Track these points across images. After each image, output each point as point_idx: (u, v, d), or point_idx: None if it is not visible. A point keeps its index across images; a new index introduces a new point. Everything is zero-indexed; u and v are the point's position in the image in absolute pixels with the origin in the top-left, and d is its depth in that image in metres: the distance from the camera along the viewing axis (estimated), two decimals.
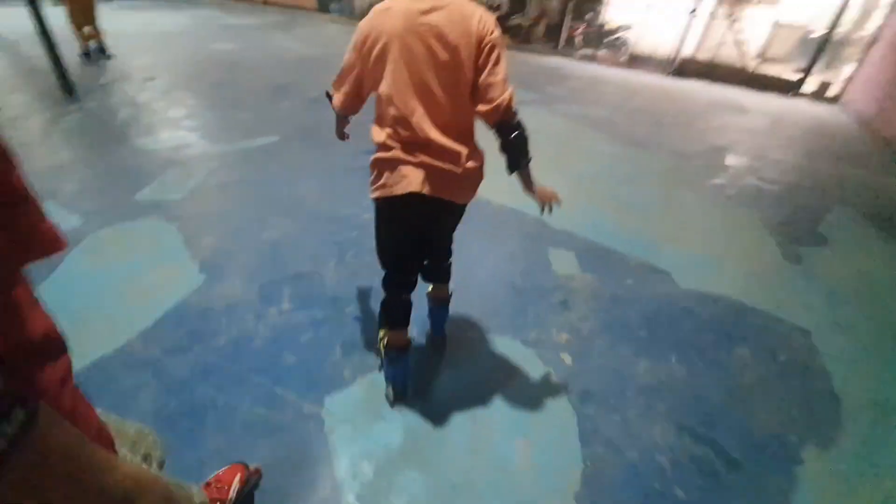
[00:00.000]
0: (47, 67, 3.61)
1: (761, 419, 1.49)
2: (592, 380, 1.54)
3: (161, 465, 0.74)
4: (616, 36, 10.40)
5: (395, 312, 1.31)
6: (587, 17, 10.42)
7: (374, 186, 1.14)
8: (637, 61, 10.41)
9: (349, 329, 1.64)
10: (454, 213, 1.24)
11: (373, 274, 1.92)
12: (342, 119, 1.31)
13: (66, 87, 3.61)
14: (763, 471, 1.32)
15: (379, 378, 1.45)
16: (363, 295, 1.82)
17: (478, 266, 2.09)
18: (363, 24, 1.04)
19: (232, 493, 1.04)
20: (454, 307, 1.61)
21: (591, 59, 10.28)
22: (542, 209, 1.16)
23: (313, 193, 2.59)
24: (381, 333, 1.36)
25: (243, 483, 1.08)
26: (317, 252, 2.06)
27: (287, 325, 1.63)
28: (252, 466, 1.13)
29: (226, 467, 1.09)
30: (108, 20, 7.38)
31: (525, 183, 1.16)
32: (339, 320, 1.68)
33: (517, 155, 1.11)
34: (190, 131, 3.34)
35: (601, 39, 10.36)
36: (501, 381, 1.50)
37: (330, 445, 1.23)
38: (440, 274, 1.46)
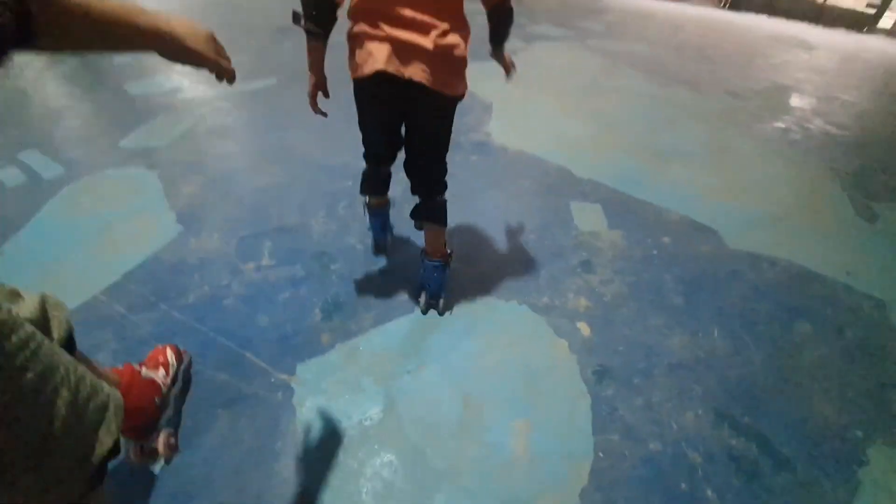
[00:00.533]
0: None
1: (820, 409, 1.22)
2: (613, 354, 1.30)
3: (69, 333, 0.74)
4: None
5: (374, 182, 1.35)
6: None
7: (350, 68, 1.05)
8: None
9: (333, 288, 1.45)
10: (435, 104, 1.06)
11: (364, 227, 1.70)
12: (319, 38, 1.02)
13: None
14: (817, 472, 1.08)
15: (361, 343, 1.27)
16: (351, 250, 1.61)
17: (486, 221, 1.83)
18: None
19: (171, 359, 1.07)
20: (453, 267, 1.38)
21: None
22: (509, 74, 1.28)
23: (307, 140, 2.34)
24: (366, 199, 1.45)
25: (177, 355, 1.10)
26: (305, 203, 1.85)
27: (264, 283, 1.45)
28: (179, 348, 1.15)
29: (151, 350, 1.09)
30: None
31: (500, 54, 1.23)
32: (322, 278, 1.49)
33: (506, 31, 1.17)
34: (184, 75, 3.10)
35: None
36: (503, 352, 1.29)
37: (298, 419, 1.08)
38: (433, 211, 1.26)
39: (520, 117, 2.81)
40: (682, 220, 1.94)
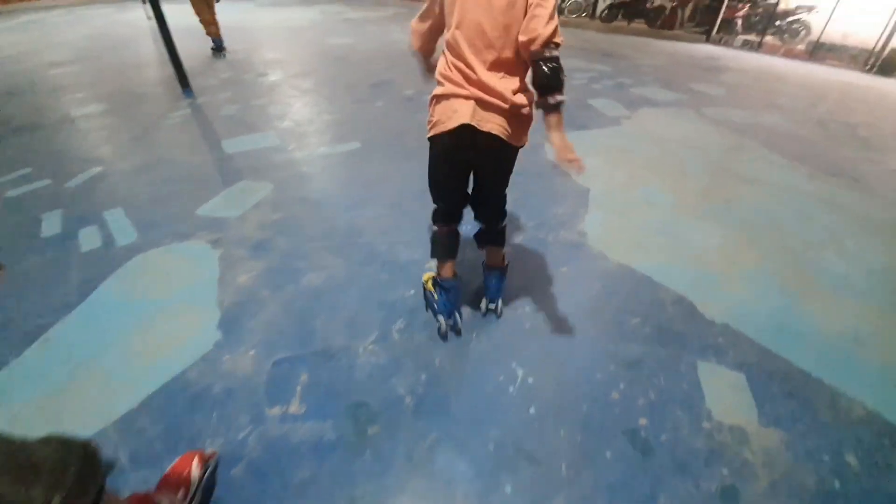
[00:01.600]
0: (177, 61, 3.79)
1: None
2: None
3: (107, 472, 0.70)
4: (794, 17, 8.14)
5: (443, 244, 1.45)
6: None
7: (430, 124, 1.21)
8: (822, 51, 8.03)
9: (362, 475, 1.10)
10: (504, 154, 1.24)
11: (418, 367, 1.36)
12: (422, 59, 1.38)
13: (182, 81, 3.75)
14: None
15: None
16: (396, 406, 1.26)
17: (572, 377, 1.37)
18: None
19: (194, 474, 0.99)
20: (515, 464, 0.96)
21: (756, 47, 8.22)
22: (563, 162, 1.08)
23: (376, 223, 2.11)
24: (425, 278, 1.56)
25: (203, 465, 1.03)
26: (356, 317, 1.57)
27: (284, 446, 1.15)
28: (208, 450, 1.09)
29: (176, 460, 1.03)
30: (245, 18, 8.07)
31: (550, 124, 1.11)
32: (352, 452, 1.15)
33: (548, 86, 1.07)
34: (278, 134, 3.17)
35: (770, 22, 8.21)
36: None
37: None
38: (494, 237, 1.51)
39: (624, 211, 2.34)
40: (872, 419, 1.30)
